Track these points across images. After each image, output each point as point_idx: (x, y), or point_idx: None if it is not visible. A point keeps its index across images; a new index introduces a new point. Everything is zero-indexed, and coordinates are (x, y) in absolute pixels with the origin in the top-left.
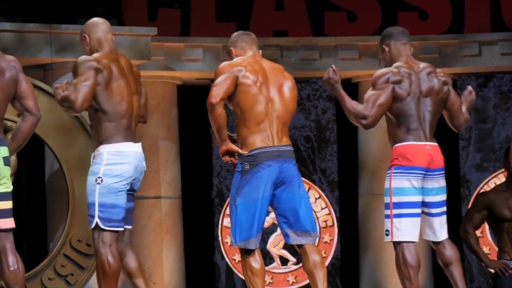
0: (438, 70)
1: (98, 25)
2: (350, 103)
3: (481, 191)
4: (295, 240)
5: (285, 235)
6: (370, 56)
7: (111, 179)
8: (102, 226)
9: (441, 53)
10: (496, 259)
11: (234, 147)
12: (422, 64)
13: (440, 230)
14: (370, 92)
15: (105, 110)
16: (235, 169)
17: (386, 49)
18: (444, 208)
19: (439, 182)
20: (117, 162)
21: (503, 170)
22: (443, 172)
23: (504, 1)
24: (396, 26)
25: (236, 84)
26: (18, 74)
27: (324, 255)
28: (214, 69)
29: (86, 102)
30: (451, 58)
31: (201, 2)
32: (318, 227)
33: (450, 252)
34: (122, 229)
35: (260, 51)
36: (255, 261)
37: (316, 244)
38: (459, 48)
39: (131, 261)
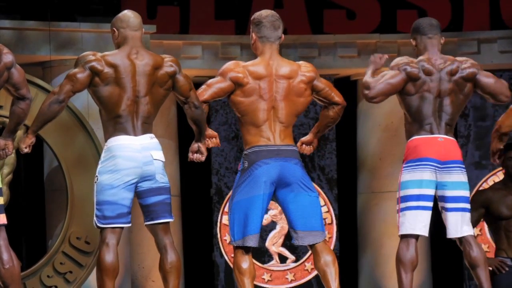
0: (465, 62)
1: (126, 21)
2: (367, 75)
3: (480, 188)
4: (301, 240)
5: (292, 236)
6: (369, 53)
7: (104, 175)
8: (98, 224)
9: (440, 50)
10: (493, 257)
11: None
12: (449, 62)
13: (454, 227)
14: (386, 71)
15: (103, 109)
16: (238, 169)
17: (413, 42)
18: (462, 204)
19: (457, 176)
20: (108, 157)
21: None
22: (460, 165)
23: None
24: (425, 18)
25: (231, 91)
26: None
27: None
28: (213, 66)
29: (67, 93)
30: (450, 55)
31: None
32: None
33: (476, 253)
34: (119, 225)
35: (277, 45)
36: (245, 261)
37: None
38: (458, 46)
39: (165, 260)
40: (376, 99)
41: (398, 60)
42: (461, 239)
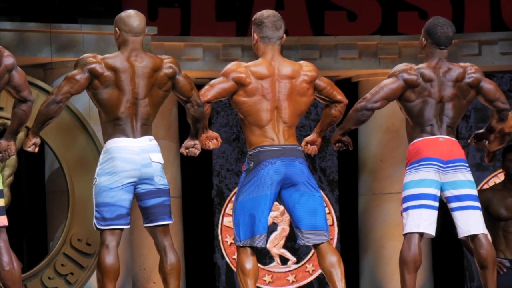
0: (470, 68)
1: (129, 25)
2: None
3: (479, 189)
4: (307, 240)
5: (297, 236)
6: (370, 55)
7: (102, 177)
8: (98, 226)
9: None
10: None
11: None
12: (454, 68)
13: (464, 225)
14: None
15: (102, 111)
16: (243, 170)
17: (423, 42)
18: (470, 202)
19: (461, 174)
20: (106, 159)
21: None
22: (463, 164)
23: (504, 0)
24: (443, 26)
25: (234, 91)
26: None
27: None
28: (214, 68)
29: (65, 94)
30: (451, 57)
31: (201, 1)
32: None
33: (485, 252)
34: (119, 226)
35: (279, 45)
36: (248, 262)
37: (329, 242)
38: (459, 48)
39: (165, 262)
40: (377, 103)
41: (396, 67)
42: (473, 237)
